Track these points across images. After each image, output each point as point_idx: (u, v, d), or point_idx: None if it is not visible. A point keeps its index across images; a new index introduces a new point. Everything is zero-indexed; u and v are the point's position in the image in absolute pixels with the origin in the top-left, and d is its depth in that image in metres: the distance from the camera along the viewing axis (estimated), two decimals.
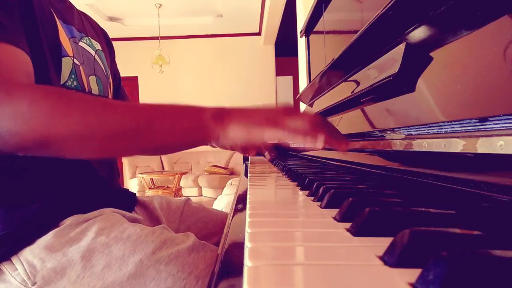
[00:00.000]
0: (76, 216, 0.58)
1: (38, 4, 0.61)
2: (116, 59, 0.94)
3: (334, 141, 0.53)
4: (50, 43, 0.62)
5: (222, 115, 0.51)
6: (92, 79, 0.72)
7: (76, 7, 0.80)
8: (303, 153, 1.36)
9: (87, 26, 0.79)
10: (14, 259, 0.53)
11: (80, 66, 0.69)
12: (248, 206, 0.43)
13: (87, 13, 0.86)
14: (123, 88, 0.95)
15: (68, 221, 0.57)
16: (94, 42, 0.78)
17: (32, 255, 0.53)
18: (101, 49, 0.80)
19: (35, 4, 0.60)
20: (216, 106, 0.53)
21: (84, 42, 0.74)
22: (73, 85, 0.66)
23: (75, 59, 0.67)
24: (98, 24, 0.89)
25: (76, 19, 0.75)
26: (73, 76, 0.66)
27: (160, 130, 0.51)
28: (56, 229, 0.56)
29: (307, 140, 0.51)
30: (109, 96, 0.79)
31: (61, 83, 0.63)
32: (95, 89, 0.72)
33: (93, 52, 0.76)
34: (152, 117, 0.51)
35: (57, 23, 0.65)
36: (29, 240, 0.54)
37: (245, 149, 0.65)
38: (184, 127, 0.52)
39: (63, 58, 0.64)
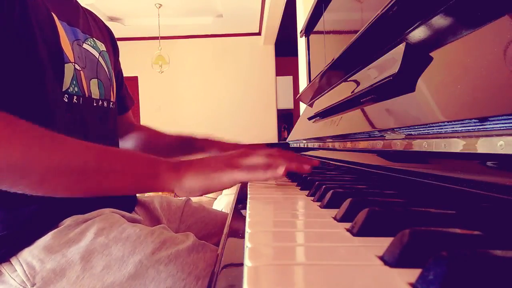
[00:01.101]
0: (75, 217, 0.58)
1: (35, 10, 0.59)
2: None
3: (295, 165, 0.54)
4: (50, 49, 0.60)
5: (178, 166, 0.52)
6: (94, 82, 0.71)
7: (82, 6, 0.79)
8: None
9: (92, 26, 0.78)
10: (13, 260, 0.53)
11: (81, 71, 0.68)
12: (248, 206, 0.43)
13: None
14: (126, 87, 0.95)
15: (67, 221, 0.57)
16: (98, 43, 0.77)
17: (31, 256, 0.52)
18: (105, 49, 0.79)
19: (31, 10, 0.58)
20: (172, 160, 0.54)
21: (88, 44, 0.73)
22: (74, 91, 0.65)
23: (76, 65, 0.66)
24: (103, 22, 0.88)
25: (82, 19, 0.74)
26: (74, 82, 0.65)
27: (109, 173, 0.50)
28: (55, 230, 0.55)
29: (268, 173, 0.52)
30: (112, 99, 0.78)
31: (63, 89, 0.63)
32: (95, 93, 0.71)
33: (97, 54, 0.75)
34: (102, 157, 0.50)
35: (57, 27, 0.63)
36: (28, 241, 0.54)
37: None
38: (136, 173, 0.52)
39: (65, 65, 0.63)
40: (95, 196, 0.52)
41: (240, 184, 0.81)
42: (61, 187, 0.49)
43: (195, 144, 0.93)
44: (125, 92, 0.95)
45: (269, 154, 0.54)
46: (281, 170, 0.52)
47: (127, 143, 0.96)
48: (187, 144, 0.93)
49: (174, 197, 0.61)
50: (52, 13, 0.63)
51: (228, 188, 0.54)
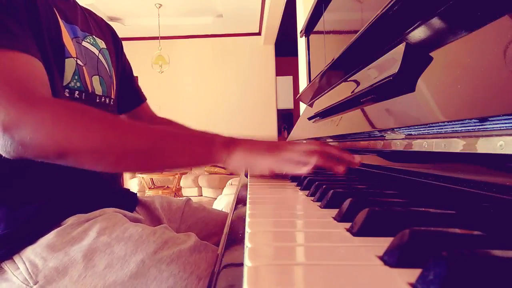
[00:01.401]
0: (78, 216, 0.58)
1: (42, 5, 0.61)
2: None
3: (329, 164, 0.59)
4: (53, 44, 0.62)
5: (229, 143, 0.59)
6: (96, 79, 0.72)
7: (80, 5, 0.79)
8: None
9: (91, 24, 0.78)
10: (16, 258, 0.53)
11: (84, 67, 0.68)
12: (248, 206, 0.43)
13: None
14: (136, 81, 0.95)
15: (70, 220, 0.57)
16: (98, 40, 0.77)
17: (34, 254, 0.53)
18: (105, 47, 0.79)
19: (39, 5, 0.60)
20: (227, 135, 0.61)
21: (87, 42, 0.73)
22: (76, 86, 0.65)
23: (78, 60, 0.67)
24: (103, 20, 0.88)
25: (80, 18, 0.74)
26: (76, 77, 0.66)
27: (172, 152, 0.57)
28: (58, 228, 0.56)
29: (297, 168, 0.58)
30: (112, 96, 0.78)
31: (64, 84, 0.63)
32: (98, 90, 0.72)
33: (96, 52, 0.75)
34: (166, 139, 0.57)
35: (60, 23, 0.64)
36: (31, 239, 0.54)
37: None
38: (195, 151, 0.59)
39: (66, 59, 0.64)
40: (159, 171, 0.63)
41: (240, 184, 0.81)
42: (133, 165, 0.59)
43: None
44: (137, 85, 0.95)
45: (309, 150, 0.59)
46: (306, 169, 0.58)
47: None
48: None
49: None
50: (54, 9, 0.64)
51: (266, 173, 0.61)
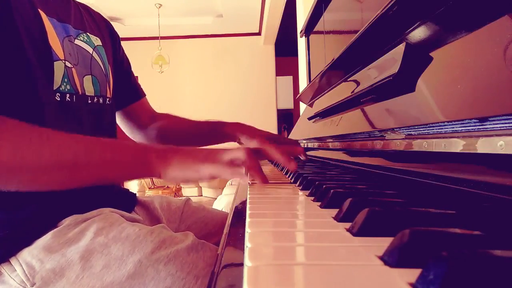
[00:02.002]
0: (75, 216, 0.58)
1: (19, 10, 0.57)
2: None
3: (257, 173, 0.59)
4: (37, 48, 0.59)
5: (165, 154, 0.55)
6: (87, 79, 0.70)
7: (74, 0, 0.76)
8: None
9: (86, 20, 0.76)
10: (13, 260, 0.53)
11: (73, 68, 0.66)
12: (248, 206, 0.43)
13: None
14: (134, 77, 0.94)
15: (67, 221, 0.57)
16: (93, 37, 0.75)
17: (31, 256, 0.52)
18: (101, 44, 0.77)
19: (14, 9, 0.56)
20: (161, 146, 0.58)
21: (81, 40, 0.71)
22: (66, 89, 0.64)
23: (66, 62, 0.64)
24: (100, 15, 0.86)
25: (73, 14, 0.72)
26: (66, 80, 0.64)
27: (99, 164, 0.52)
28: (55, 229, 0.55)
29: (244, 176, 0.57)
30: (108, 95, 0.76)
31: (54, 88, 0.62)
32: (89, 90, 0.70)
33: (90, 50, 0.73)
34: (92, 149, 0.52)
35: (45, 25, 0.61)
36: (28, 241, 0.54)
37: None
38: (126, 161, 0.55)
39: (54, 63, 0.62)
40: (88, 185, 0.54)
41: (240, 184, 0.81)
42: (53, 181, 0.51)
43: (225, 130, 0.91)
44: (135, 80, 0.93)
45: (248, 154, 0.58)
46: (242, 171, 0.57)
47: (150, 134, 0.95)
48: (217, 131, 0.92)
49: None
50: (40, 10, 0.61)
51: (205, 181, 0.58)
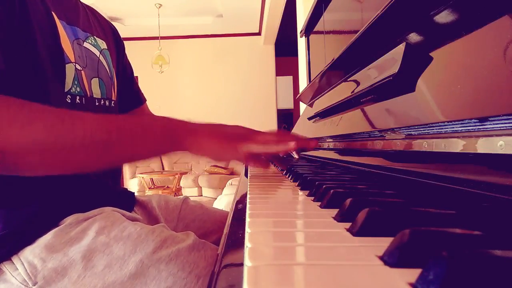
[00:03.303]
0: (76, 215, 0.58)
1: (35, 11, 0.58)
2: None
3: (303, 141, 0.60)
4: (51, 50, 0.60)
5: (196, 129, 0.55)
6: (95, 81, 0.71)
7: (82, 2, 0.77)
8: (303, 153, 1.36)
9: (93, 23, 0.77)
10: (15, 259, 0.53)
11: (82, 71, 0.67)
12: (248, 206, 0.43)
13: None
14: (136, 82, 0.95)
15: (69, 220, 0.57)
16: (99, 41, 0.76)
17: (33, 255, 0.53)
18: (107, 48, 0.78)
19: (31, 11, 0.57)
20: (187, 119, 0.57)
21: (89, 43, 0.72)
22: (76, 91, 0.65)
23: (77, 65, 0.65)
24: (105, 19, 0.87)
25: (82, 17, 0.73)
26: (76, 82, 0.65)
27: (131, 140, 0.51)
28: (57, 228, 0.55)
29: (280, 146, 0.57)
30: (113, 98, 0.77)
31: (66, 90, 0.62)
32: (96, 93, 0.71)
33: (97, 53, 0.74)
34: (123, 126, 0.52)
35: (57, 28, 0.62)
36: (30, 240, 0.54)
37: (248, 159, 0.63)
38: (156, 137, 0.53)
39: (66, 65, 0.62)
40: (119, 163, 0.56)
41: (240, 184, 0.81)
42: (87, 161, 0.50)
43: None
44: (137, 87, 0.94)
45: (279, 133, 0.59)
46: (292, 144, 0.56)
47: None
48: None
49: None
50: (52, 12, 0.62)
51: (240, 158, 0.56)
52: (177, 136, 0.54)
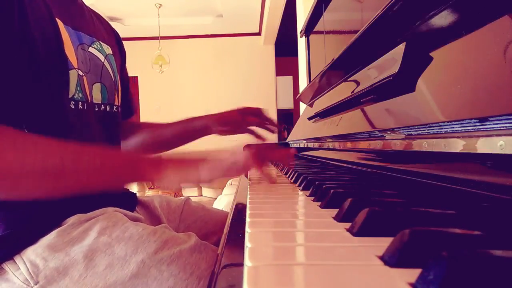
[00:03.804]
0: (78, 215, 0.58)
1: (37, 16, 0.57)
2: None
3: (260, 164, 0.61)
4: (54, 57, 0.60)
5: (158, 163, 0.55)
6: (96, 87, 0.71)
7: (88, 7, 0.77)
8: (303, 153, 1.36)
9: (98, 28, 0.77)
10: (17, 258, 0.53)
11: (84, 76, 0.67)
12: (248, 206, 0.43)
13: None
14: (130, 91, 0.94)
15: (71, 220, 0.57)
16: (105, 46, 0.76)
17: (35, 254, 0.53)
18: (111, 53, 0.78)
19: (32, 20, 0.56)
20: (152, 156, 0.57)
21: (94, 48, 0.72)
22: (79, 97, 0.64)
23: (79, 70, 0.65)
24: (109, 24, 0.87)
25: (88, 22, 0.73)
26: (78, 88, 0.64)
27: (87, 169, 0.50)
28: (59, 228, 0.56)
29: (233, 171, 0.57)
30: (116, 103, 0.77)
31: (70, 96, 0.62)
32: (97, 98, 0.71)
33: (102, 58, 0.74)
34: (79, 155, 0.50)
35: (61, 33, 0.62)
36: (32, 240, 0.54)
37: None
38: (116, 168, 0.53)
39: (70, 71, 0.62)
40: (74, 195, 0.52)
41: (240, 184, 0.81)
42: (37, 188, 0.48)
43: (196, 125, 0.94)
44: (131, 96, 0.94)
45: (250, 152, 0.58)
46: (243, 171, 0.58)
47: (131, 143, 0.95)
48: (189, 129, 0.94)
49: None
50: (57, 19, 0.62)
51: (206, 183, 0.59)
52: (138, 172, 0.54)
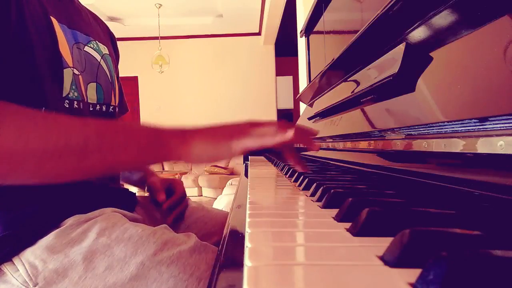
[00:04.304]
0: (77, 216, 0.58)
1: (32, 17, 0.57)
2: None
3: (305, 137, 0.53)
4: (49, 55, 0.59)
5: (184, 133, 0.50)
6: (91, 86, 0.70)
7: (84, 7, 0.77)
8: (303, 153, 1.36)
9: (95, 28, 0.77)
10: (16, 260, 0.53)
11: (80, 75, 0.66)
12: (248, 206, 0.43)
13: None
14: (121, 89, 0.94)
15: (69, 221, 0.57)
16: (101, 46, 0.76)
17: (34, 256, 0.53)
18: (108, 53, 0.78)
19: (29, 17, 0.56)
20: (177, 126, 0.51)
21: (90, 47, 0.72)
22: (74, 96, 0.64)
23: (74, 69, 0.65)
24: (105, 25, 0.87)
25: (84, 22, 0.73)
26: (73, 87, 0.64)
27: (112, 146, 0.46)
28: (58, 229, 0.55)
29: (277, 137, 0.50)
30: (113, 103, 0.77)
31: (64, 95, 0.62)
32: (92, 98, 0.70)
33: (99, 57, 0.74)
34: (103, 132, 0.47)
35: (56, 32, 0.61)
36: (31, 241, 0.54)
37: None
38: (140, 144, 0.49)
39: (64, 70, 0.62)
40: (99, 175, 0.49)
41: (240, 184, 0.81)
42: (61, 169, 0.45)
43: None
44: (122, 94, 0.94)
45: (277, 123, 0.52)
46: (290, 133, 0.50)
47: None
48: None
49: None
50: (51, 17, 0.62)
51: (238, 156, 0.52)
52: (164, 145, 0.49)
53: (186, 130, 0.50)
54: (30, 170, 0.43)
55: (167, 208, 0.79)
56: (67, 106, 0.63)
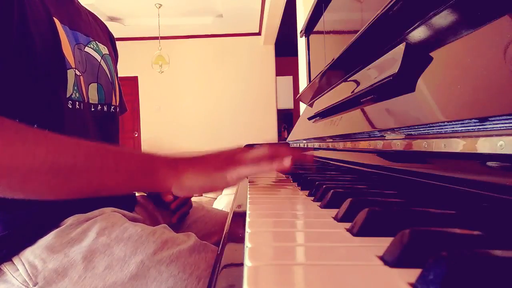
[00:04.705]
0: (77, 216, 0.58)
1: (35, 16, 0.57)
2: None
3: (299, 155, 0.53)
4: (52, 57, 0.59)
5: (176, 162, 0.49)
6: (93, 87, 0.71)
7: (84, 7, 0.77)
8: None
9: (94, 28, 0.77)
10: (15, 259, 0.53)
11: (81, 76, 0.67)
12: (248, 206, 0.43)
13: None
14: (120, 89, 0.95)
15: (69, 221, 0.57)
16: (101, 46, 0.76)
17: (33, 255, 0.53)
18: (108, 53, 0.78)
19: (31, 19, 0.56)
20: (168, 154, 0.51)
21: (91, 48, 0.72)
22: (76, 97, 0.64)
23: (76, 70, 0.65)
24: (105, 25, 0.87)
25: (84, 22, 0.73)
26: (75, 88, 0.64)
27: (101, 170, 0.46)
28: (57, 229, 0.55)
29: (274, 164, 0.51)
30: (114, 103, 0.77)
31: (67, 96, 0.62)
32: (93, 98, 0.71)
33: (99, 58, 0.74)
34: (93, 154, 0.46)
35: (59, 33, 0.62)
36: (30, 241, 0.54)
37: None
38: (130, 170, 0.48)
39: (67, 71, 0.62)
40: (85, 197, 0.49)
41: (240, 184, 0.81)
42: (45, 188, 0.44)
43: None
44: (121, 93, 0.94)
45: (270, 149, 0.53)
46: (287, 161, 0.50)
47: None
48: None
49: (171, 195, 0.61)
50: (54, 18, 0.62)
51: (234, 186, 0.51)
52: (155, 174, 0.48)
53: (179, 159, 0.50)
54: (15, 185, 0.42)
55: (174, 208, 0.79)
56: (71, 106, 0.63)
